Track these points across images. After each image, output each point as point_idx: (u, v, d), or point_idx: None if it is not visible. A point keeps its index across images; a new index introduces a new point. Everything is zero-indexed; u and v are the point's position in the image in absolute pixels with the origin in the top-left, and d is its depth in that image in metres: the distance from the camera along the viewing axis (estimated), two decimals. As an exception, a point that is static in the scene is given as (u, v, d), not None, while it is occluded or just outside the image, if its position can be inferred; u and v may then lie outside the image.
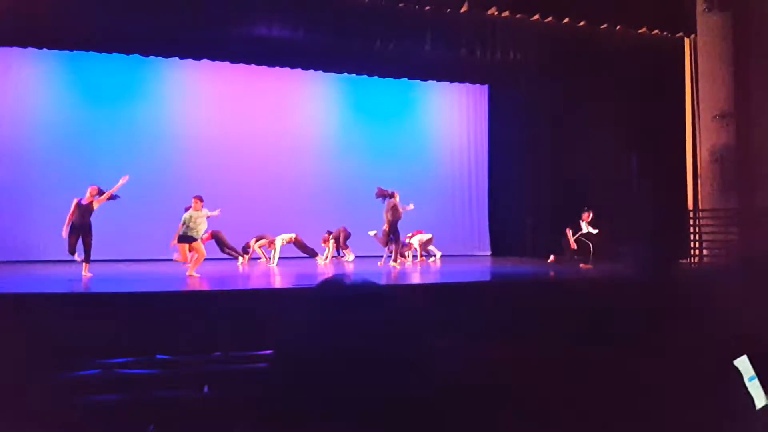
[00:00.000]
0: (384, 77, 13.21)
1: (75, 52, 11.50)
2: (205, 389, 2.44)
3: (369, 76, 13.07)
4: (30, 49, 11.12)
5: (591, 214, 11.79)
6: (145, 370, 2.89)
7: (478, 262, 12.57)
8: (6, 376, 2.64)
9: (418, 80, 13.81)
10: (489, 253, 14.51)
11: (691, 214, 11.51)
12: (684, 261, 11.19)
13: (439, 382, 0.88)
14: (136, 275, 9.06)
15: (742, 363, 1.35)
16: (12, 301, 5.42)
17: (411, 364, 0.85)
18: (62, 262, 9.83)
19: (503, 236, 14.28)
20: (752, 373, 1.33)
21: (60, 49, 11.39)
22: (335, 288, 0.91)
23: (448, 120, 14.78)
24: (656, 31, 11.45)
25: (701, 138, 11.17)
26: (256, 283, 8.57)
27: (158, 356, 3.22)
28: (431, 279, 9.34)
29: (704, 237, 11.29)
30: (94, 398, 2.46)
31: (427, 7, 10.29)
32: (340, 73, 13.22)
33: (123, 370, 2.85)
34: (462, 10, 10.32)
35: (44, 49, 11.22)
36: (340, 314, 0.85)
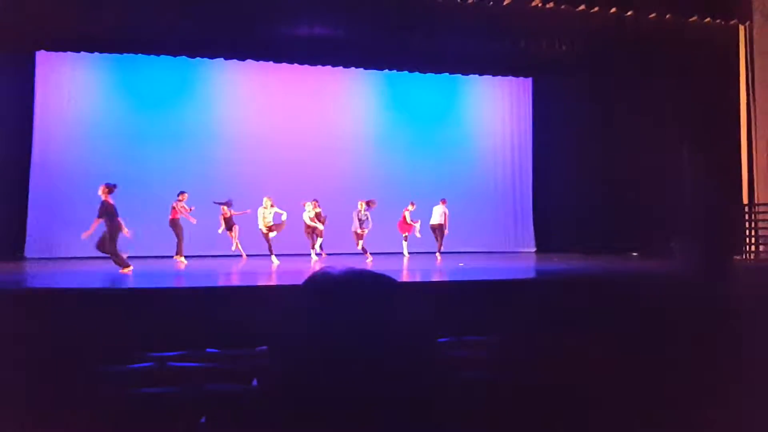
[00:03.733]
0: (425, 73, 13.16)
1: (123, 55, 11.82)
2: (254, 382, 2.48)
3: (410, 72, 13.04)
4: (82, 53, 11.54)
5: None
6: (195, 363, 2.96)
7: (521, 259, 12.38)
8: (60, 369, 2.74)
9: (460, 74, 13.69)
10: (534, 249, 14.29)
11: (747, 209, 11.08)
12: (739, 257, 10.78)
13: (439, 378, 0.85)
14: (187, 270, 9.30)
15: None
16: (74, 297, 5.63)
17: (410, 361, 0.82)
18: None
19: (548, 232, 14.05)
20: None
21: (109, 53, 11.74)
22: (323, 280, 0.87)
23: (491, 114, 14.61)
24: (708, 19, 11.01)
25: (757, 129, 10.72)
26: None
27: (208, 350, 3.30)
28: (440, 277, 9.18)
29: (760, 232, 10.85)
30: (148, 390, 2.53)
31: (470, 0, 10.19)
32: (381, 70, 13.24)
33: (175, 363, 2.92)
34: (506, 2, 10.17)
35: (95, 53, 11.61)
36: (329, 308, 0.83)
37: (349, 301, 0.84)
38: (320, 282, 0.88)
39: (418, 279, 8.29)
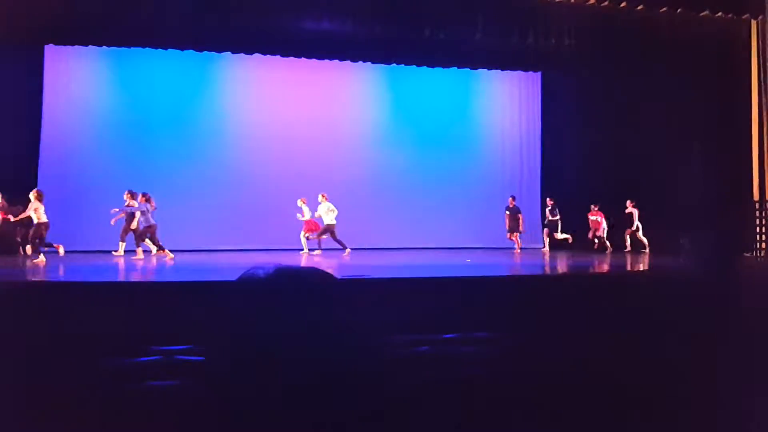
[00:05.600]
0: (433, 67, 13.09)
1: (130, 48, 11.79)
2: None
3: (418, 66, 12.99)
4: (90, 47, 11.54)
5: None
6: (201, 357, 2.96)
7: (527, 256, 12.34)
8: (65, 362, 2.74)
9: (468, 69, 13.62)
10: (542, 246, 14.24)
11: (757, 206, 10.98)
12: (748, 254, 10.70)
13: (384, 380, 0.81)
14: (195, 265, 9.32)
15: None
16: (80, 290, 5.65)
17: (345, 361, 0.78)
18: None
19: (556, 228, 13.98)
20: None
21: (117, 47, 11.72)
22: (250, 280, 0.83)
23: (499, 109, 14.55)
24: (720, 14, 10.89)
25: (768, 125, 10.62)
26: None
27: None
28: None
29: (771, 230, 10.76)
30: (155, 383, 2.53)
31: (479, -6, 10.13)
32: (389, 64, 13.19)
33: (182, 356, 2.92)
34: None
35: (103, 47, 11.60)
36: (257, 308, 0.79)
37: (278, 301, 0.80)
38: (247, 282, 0.84)
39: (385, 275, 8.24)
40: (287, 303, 0.80)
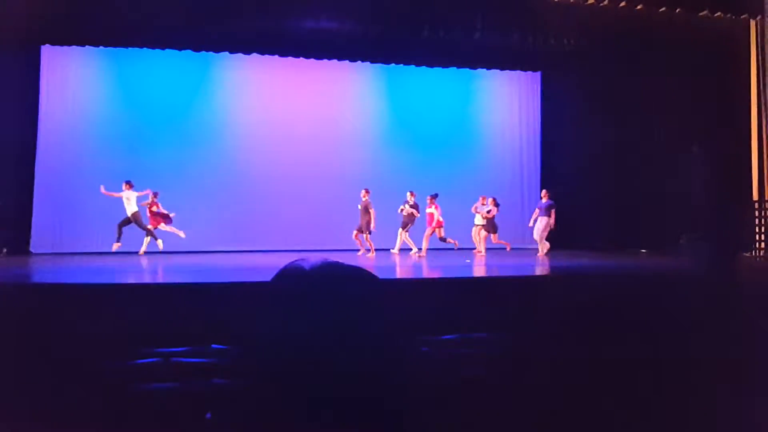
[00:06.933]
0: (432, 66, 13.08)
1: (127, 49, 11.75)
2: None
3: (417, 66, 12.98)
4: (87, 47, 11.51)
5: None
6: (200, 359, 2.96)
7: (526, 256, 12.33)
8: (65, 364, 2.73)
9: (468, 69, 13.62)
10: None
11: (757, 206, 10.99)
12: (748, 254, 10.71)
13: (418, 379, 0.81)
14: (193, 266, 9.31)
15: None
16: (79, 292, 5.64)
17: (386, 362, 0.77)
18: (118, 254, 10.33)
19: (555, 229, 13.97)
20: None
21: (113, 47, 11.68)
22: (294, 276, 0.82)
23: (498, 109, 14.52)
24: (719, 14, 10.90)
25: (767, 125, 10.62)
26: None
27: (213, 346, 3.29)
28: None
29: (771, 229, 10.77)
30: (153, 386, 2.52)
31: (478, -7, 10.12)
32: (388, 64, 13.18)
33: (180, 359, 2.92)
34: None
35: (100, 47, 11.56)
36: (300, 305, 0.78)
37: (323, 299, 0.79)
38: (291, 278, 0.83)
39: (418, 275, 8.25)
40: (330, 296, 0.79)
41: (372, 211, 11.04)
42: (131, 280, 7.42)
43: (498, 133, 14.44)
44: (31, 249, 11.34)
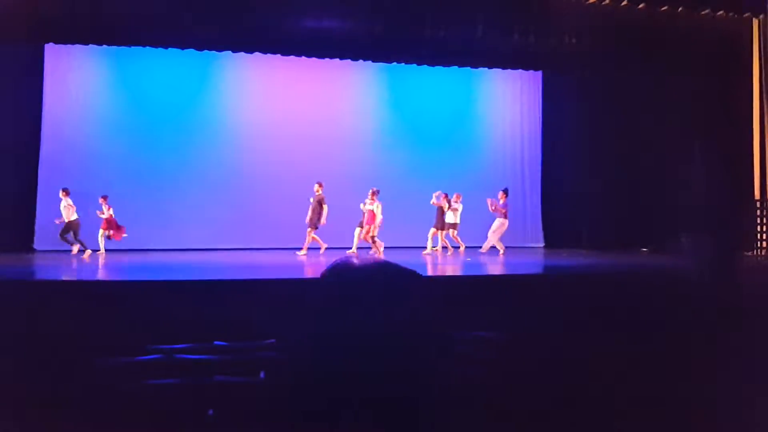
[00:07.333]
0: (433, 65, 13.08)
1: (131, 48, 11.74)
2: (262, 375, 2.49)
3: (418, 65, 12.97)
4: (91, 45, 11.52)
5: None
6: (203, 355, 2.97)
7: (528, 255, 12.35)
8: (68, 361, 2.75)
9: (469, 68, 13.61)
10: (542, 244, 14.23)
11: (759, 205, 10.99)
12: (750, 253, 10.71)
13: (459, 373, 0.83)
14: (195, 263, 9.33)
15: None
16: (82, 289, 5.66)
17: (426, 355, 0.79)
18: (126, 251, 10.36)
19: (556, 228, 13.98)
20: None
21: (117, 45, 11.69)
22: (345, 272, 0.85)
23: (499, 108, 14.52)
24: (721, 12, 10.88)
25: (770, 124, 10.62)
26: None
27: (216, 342, 3.31)
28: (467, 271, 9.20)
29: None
30: (155, 382, 2.54)
31: (480, -8, 10.12)
32: (389, 62, 13.17)
33: (182, 355, 2.93)
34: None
35: (103, 46, 11.57)
36: (352, 302, 0.80)
37: (372, 295, 0.81)
38: (342, 274, 0.85)
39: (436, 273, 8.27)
40: (377, 292, 0.81)
41: (325, 206, 10.71)
42: (135, 277, 7.44)
43: (499, 132, 14.43)
44: (35, 246, 11.38)
